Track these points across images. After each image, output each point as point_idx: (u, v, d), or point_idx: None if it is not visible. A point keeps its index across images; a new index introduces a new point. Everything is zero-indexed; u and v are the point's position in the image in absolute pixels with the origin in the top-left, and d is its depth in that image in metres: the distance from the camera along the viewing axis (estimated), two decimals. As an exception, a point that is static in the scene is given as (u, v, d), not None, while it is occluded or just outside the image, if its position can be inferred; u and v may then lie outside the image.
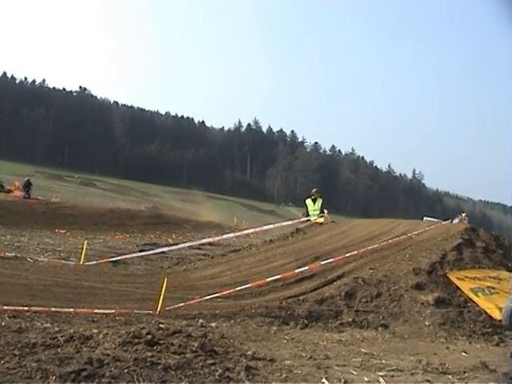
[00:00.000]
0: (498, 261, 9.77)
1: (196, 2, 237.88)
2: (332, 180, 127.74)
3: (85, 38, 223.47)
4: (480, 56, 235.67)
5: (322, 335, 6.82)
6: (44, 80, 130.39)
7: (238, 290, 8.41)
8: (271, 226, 15.85)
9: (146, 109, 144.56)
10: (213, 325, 6.71)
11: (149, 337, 4.80)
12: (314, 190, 15.70)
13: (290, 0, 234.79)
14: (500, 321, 7.40)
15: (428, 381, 4.82)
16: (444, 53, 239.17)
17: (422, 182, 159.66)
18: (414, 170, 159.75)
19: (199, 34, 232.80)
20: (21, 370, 3.75)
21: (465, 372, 5.19)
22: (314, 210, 15.13)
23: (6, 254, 11.09)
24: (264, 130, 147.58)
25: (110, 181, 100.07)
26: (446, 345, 6.72)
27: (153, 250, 14.05)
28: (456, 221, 14.52)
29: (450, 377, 5.02)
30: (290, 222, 16.56)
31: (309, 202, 15.41)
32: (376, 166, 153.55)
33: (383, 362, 5.44)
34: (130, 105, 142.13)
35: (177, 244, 15.84)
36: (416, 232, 11.31)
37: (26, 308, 6.14)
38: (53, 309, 6.33)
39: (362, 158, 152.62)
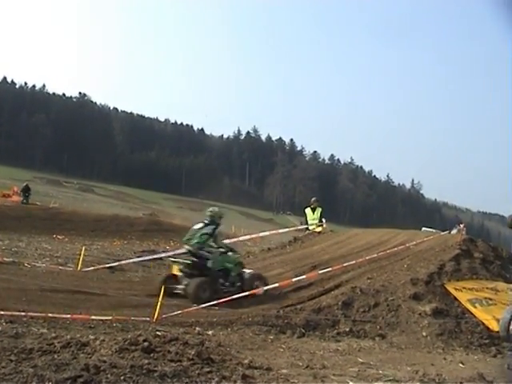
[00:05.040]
0: (496, 272, 9.79)
1: (198, 12, 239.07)
2: (331, 189, 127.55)
3: (85, 44, 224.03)
4: (481, 61, 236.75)
5: (319, 344, 6.82)
6: (44, 85, 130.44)
7: (236, 298, 8.41)
8: (267, 233, 15.85)
9: (146, 115, 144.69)
10: (210, 333, 6.70)
11: (145, 344, 4.79)
12: (313, 200, 15.74)
13: (291, 10, 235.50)
14: (497, 332, 7.43)
15: (425, 391, 4.81)
16: (443, 59, 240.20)
17: (421, 192, 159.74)
18: (413, 180, 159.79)
19: (198, 42, 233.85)
20: (17, 375, 3.74)
21: (462, 383, 5.18)
22: (313, 219, 15.16)
23: (4, 259, 11.07)
24: (263, 138, 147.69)
25: (109, 187, 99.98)
26: (443, 355, 6.72)
27: (150, 255, 14.04)
28: (454, 231, 14.51)
29: (446, 388, 5.01)
30: (286, 230, 16.57)
31: (308, 211, 15.45)
32: (375, 176, 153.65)
33: (380, 372, 5.44)
34: (129, 111, 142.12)
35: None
36: (414, 242, 11.32)
37: (22, 313, 6.13)
38: (50, 314, 6.32)
39: (361, 167, 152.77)
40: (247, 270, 9.91)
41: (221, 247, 9.70)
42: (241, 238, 17.22)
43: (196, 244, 9.36)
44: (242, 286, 9.38)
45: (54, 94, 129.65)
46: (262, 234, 16.23)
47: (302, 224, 16.28)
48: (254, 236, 16.26)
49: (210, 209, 10.06)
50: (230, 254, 9.76)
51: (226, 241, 16.97)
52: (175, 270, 9.33)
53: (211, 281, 9.03)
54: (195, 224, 9.92)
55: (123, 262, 12.64)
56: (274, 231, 15.35)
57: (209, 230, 9.52)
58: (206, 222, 9.71)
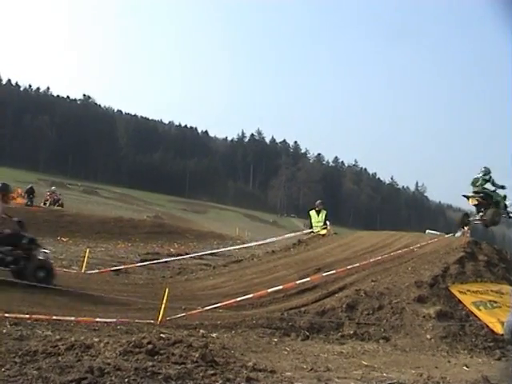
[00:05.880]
0: (501, 275, 9.74)
1: (201, 14, 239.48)
2: (335, 191, 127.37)
3: (88, 46, 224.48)
4: (482, 64, 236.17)
5: (323, 347, 6.81)
6: (48, 88, 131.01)
7: (240, 301, 8.41)
8: (274, 239, 15.82)
9: (150, 118, 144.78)
10: (214, 335, 6.69)
11: (150, 346, 4.79)
12: (318, 202, 15.75)
13: (299, 10, 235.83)
14: (502, 335, 7.39)
15: (429, 394, 4.80)
16: (446, 62, 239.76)
17: (425, 194, 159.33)
18: (417, 183, 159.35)
19: (202, 44, 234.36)
20: (21, 377, 3.76)
21: (466, 386, 5.17)
22: (318, 222, 15.16)
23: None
24: (267, 140, 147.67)
25: (113, 189, 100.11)
26: (448, 358, 6.70)
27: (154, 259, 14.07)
28: (458, 234, 14.42)
29: (451, 391, 5.00)
30: (292, 235, 16.56)
31: (313, 213, 15.46)
32: (379, 178, 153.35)
33: (384, 374, 5.43)
34: (133, 113, 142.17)
35: (180, 255, 15.83)
36: (418, 245, 11.29)
37: (27, 316, 6.15)
38: (54, 317, 6.33)
39: (365, 169, 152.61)
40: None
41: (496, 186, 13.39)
42: (251, 244, 17.20)
43: (481, 186, 13.32)
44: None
45: (58, 96, 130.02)
46: (268, 241, 16.21)
47: (305, 226, 16.32)
48: (261, 243, 16.24)
49: (484, 166, 13.80)
50: (498, 191, 13.39)
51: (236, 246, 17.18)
52: (473, 201, 13.38)
53: (497, 210, 13.21)
54: (475, 174, 13.57)
55: (130, 266, 12.68)
56: (280, 237, 15.32)
57: (487, 177, 13.33)
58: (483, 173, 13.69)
